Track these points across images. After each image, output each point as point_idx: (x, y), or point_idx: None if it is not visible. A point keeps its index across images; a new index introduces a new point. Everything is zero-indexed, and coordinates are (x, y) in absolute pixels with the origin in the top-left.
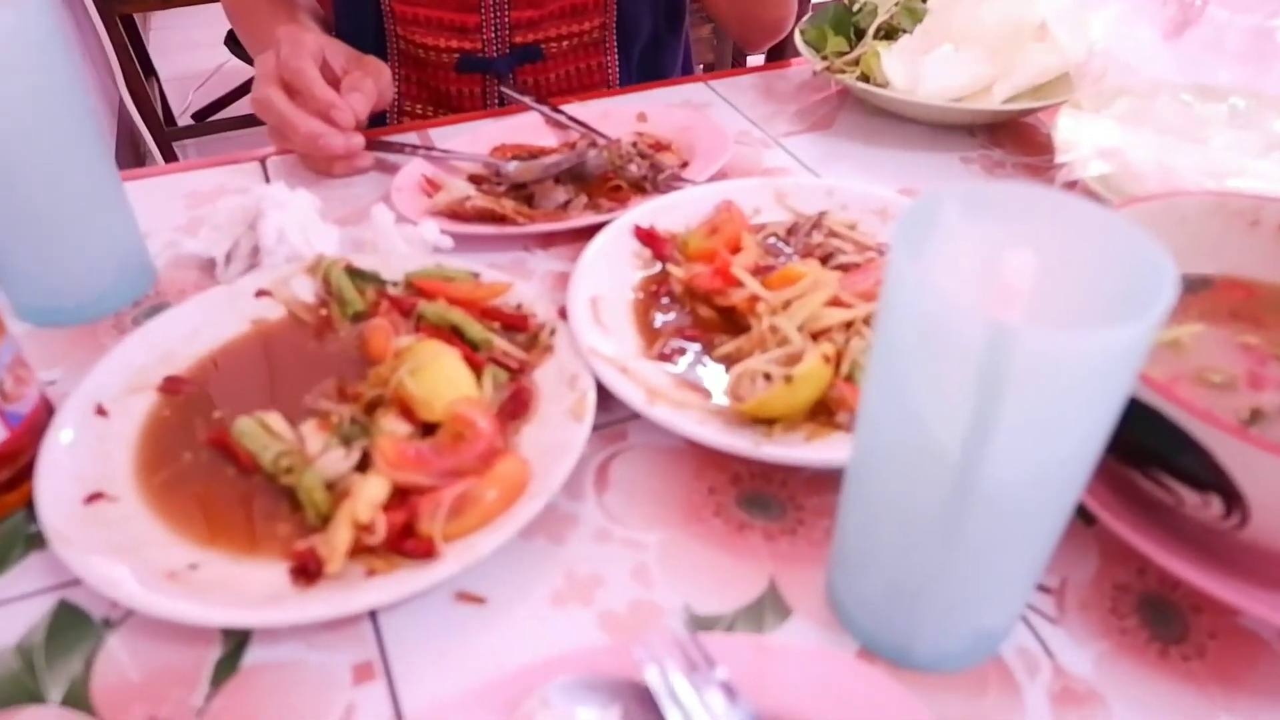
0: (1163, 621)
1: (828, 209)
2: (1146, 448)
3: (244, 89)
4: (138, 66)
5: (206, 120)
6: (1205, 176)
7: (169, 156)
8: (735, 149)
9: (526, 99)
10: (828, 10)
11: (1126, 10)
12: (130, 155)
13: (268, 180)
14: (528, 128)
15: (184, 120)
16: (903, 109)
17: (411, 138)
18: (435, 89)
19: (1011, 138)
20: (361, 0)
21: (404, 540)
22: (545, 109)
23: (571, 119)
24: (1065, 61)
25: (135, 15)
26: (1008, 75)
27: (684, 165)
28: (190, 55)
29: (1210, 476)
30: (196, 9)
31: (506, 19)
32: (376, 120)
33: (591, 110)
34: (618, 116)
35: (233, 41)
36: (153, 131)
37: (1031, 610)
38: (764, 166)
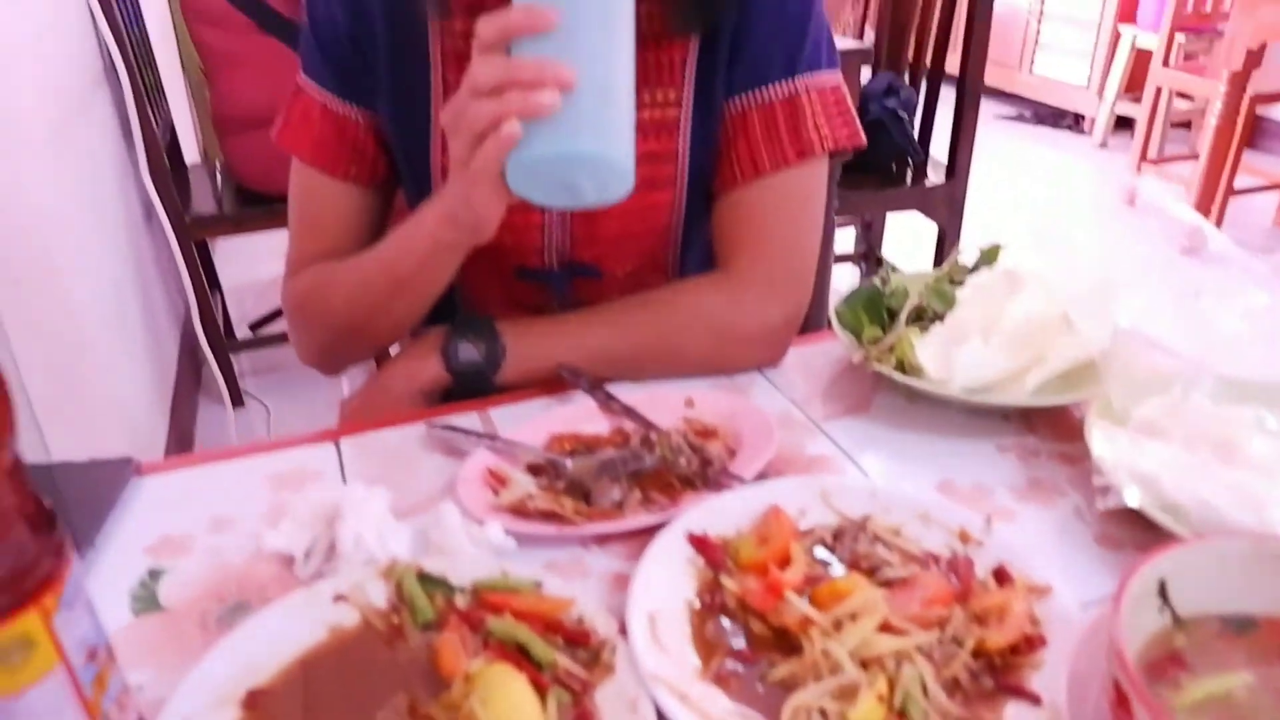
0: None
1: (871, 512)
2: None
3: None
4: (206, 288)
5: (260, 333)
6: (1242, 508)
7: (226, 370)
8: (778, 435)
9: (579, 385)
10: (860, 292)
11: (1149, 303)
12: (189, 368)
13: (341, 461)
14: (582, 413)
15: (241, 328)
16: (937, 398)
17: (473, 419)
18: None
19: (1046, 423)
20: None
21: None
22: (598, 396)
23: (624, 408)
24: (1090, 351)
25: None
26: (1038, 365)
27: (731, 454)
28: (249, 264)
29: None
30: None
31: (567, 240)
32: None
33: (639, 395)
34: (665, 401)
35: None
36: (214, 347)
37: None
38: (807, 454)
